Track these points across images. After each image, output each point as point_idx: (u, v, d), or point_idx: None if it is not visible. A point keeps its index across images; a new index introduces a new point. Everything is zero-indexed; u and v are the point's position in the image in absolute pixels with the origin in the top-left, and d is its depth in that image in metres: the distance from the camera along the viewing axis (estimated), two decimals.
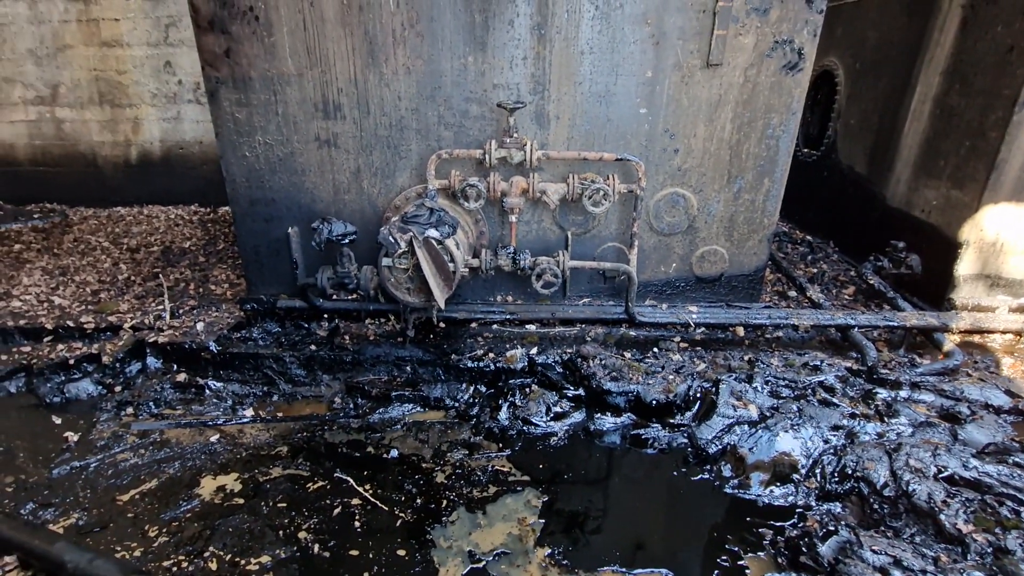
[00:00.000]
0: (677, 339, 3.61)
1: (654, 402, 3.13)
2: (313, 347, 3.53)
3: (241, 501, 2.68)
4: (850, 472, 2.63)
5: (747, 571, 2.30)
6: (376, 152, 3.44)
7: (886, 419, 2.89)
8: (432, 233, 2.88)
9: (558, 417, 3.23)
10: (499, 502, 2.70)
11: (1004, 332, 3.50)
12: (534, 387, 3.33)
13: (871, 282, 3.96)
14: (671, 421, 3.13)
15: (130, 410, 3.26)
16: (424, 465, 2.93)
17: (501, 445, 3.08)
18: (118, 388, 3.43)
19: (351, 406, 3.36)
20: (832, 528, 2.37)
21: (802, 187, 5.49)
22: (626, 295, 3.52)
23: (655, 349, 3.53)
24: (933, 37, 3.77)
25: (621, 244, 3.57)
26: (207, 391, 3.44)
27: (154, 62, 5.74)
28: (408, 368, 3.46)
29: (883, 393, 3.06)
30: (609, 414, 3.22)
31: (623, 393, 3.18)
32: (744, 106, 3.26)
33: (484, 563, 2.37)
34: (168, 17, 5.58)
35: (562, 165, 3.37)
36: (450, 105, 3.31)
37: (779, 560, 2.33)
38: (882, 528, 2.38)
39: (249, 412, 3.31)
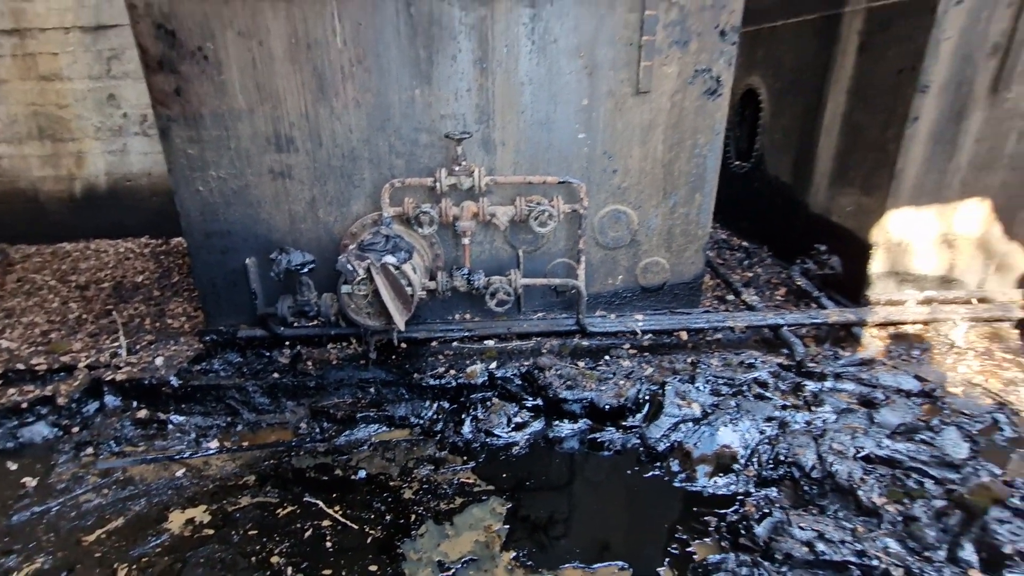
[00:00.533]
0: (626, 346, 3.85)
1: (607, 407, 3.34)
2: (276, 375, 3.59)
3: (211, 532, 2.72)
4: (783, 459, 2.91)
5: (694, 556, 2.52)
6: (330, 182, 3.56)
7: (813, 408, 3.20)
8: (389, 259, 3.02)
9: (519, 427, 3.39)
10: (466, 512, 2.84)
11: (913, 323, 3.89)
12: (495, 400, 3.49)
13: (799, 283, 4.33)
14: (624, 423, 3.35)
15: (90, 450, 3.24)
16: (392, 483, 3.04)
17: (466, 458, 3.22)
18: (76, 429, 3.39)
19: (317, 430, 3.43)
20: (767, 511, 2.62)
21: (737, 197, 5.89)
22: (577, 308, 3.74)
23: (606, 357, 3.76)
24: (838, 60, 4.20)
25: (570, 260, 3.80)
26: (169, 425, 3.45)
27: (97, 95, 5.66)
28: (372, 389, 3.57)
29: (810, 385, 3.38)
30: (567, 421, 3.41)
31: (578, 400, 3.38)
32: (673, 129, 3.55)
33: (453, 571, 2.50)
34: (110, 50, 5.53)
35: (510, 188, 3.58)
36: (400, 135, 3.47)
37: (722, 543, 2.56)
38: (810, 507, 2.65)
39: (214, 444, 3.34)
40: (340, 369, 3.61)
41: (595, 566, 2.52)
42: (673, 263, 3.94)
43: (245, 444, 3.36)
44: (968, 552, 2.28)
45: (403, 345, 3.74)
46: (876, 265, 3.96)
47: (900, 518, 2.46)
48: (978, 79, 3.48)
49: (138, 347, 3.88)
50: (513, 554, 2.58)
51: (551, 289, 3.90)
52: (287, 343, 3.81)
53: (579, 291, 3.66)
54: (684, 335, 3.92)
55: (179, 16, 3.13)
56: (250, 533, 2.71)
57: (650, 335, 3.88)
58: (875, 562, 2.24)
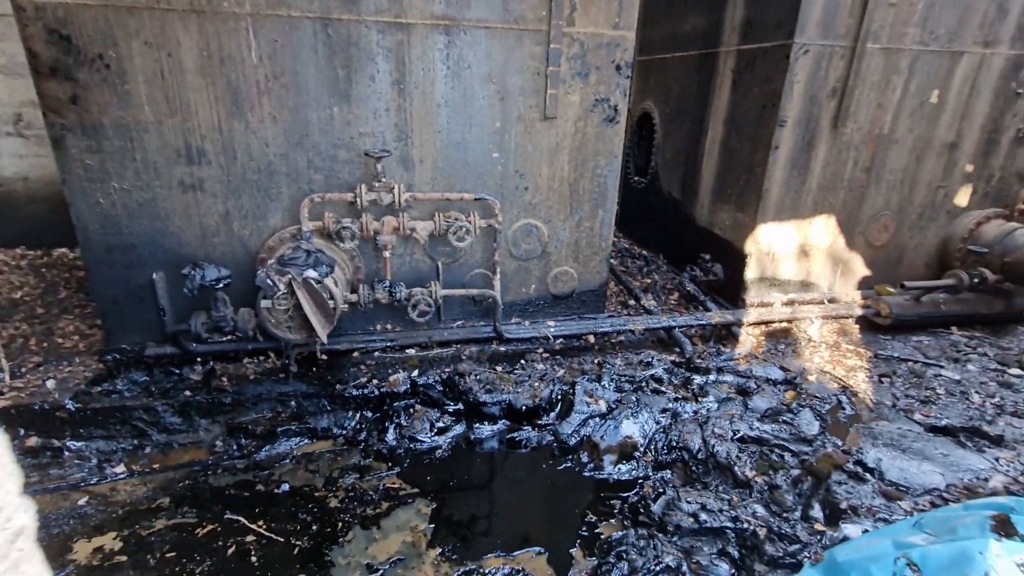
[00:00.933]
0: (540, 350, 4.15)
1: (524, 407, 3.61)
2: (188, 392, 3.49)
3: (124, 558, 2.64)
4: (675, 444, 3.32)
5: (601, 535, 2.84)
6: (245, 195, 3.53)
7: (699, 399, 3.67)
8: (311, 274, 3.09)
9: (441, 431, 3.57)
10: (392, 516, 2.97)
11: (780, 322, 4.55)
12: (417, 407, 3.64)
13: (689, 288, 4.88)
14: (539, 422, 3.63)
15: None
16: (317, 494, 3.09)
17: (390, 464, 3.34)
18: None
19: (235, 447, 3.39)
20: (662, 490, 3.01)
21: (637, 209, 6.46)
22: (494, 316, 3.98)
23: (522, 361, 4.03)
24: (715, 93, 4.80)
25: (487, 271, 4.04)
26: (66, 452, 3.24)
27: None
28: (293, 402, 3.57)
29: (697, 379, 3.86)
30: (486, 423, 3.63)
31: (497, 403, 3.62)
32: (577, 151, 3.91)
33: (381, 572, 2.63)
34: None
35: (429, 204, 3.75)
36: (319, 151, 3.53)
37: (624, 522, 2.90)
38: (697, 484, 3.07)
39: (120, 468, 3.19)
40: (258, 384, 3.58)
41: (515, 553, 2.76)
42: (580, 272, 4.31)
43: (156, 466, 3.25)
44: (816, 511, 2.79)
45: (324, 357, 3.78)
46: (751, 272, 4.58)
47: (766, 487, 2.94)
48: (823, 116, 4.17)
49: (24, 370, 3.59)
50: (439, 551, 2.76)
51: (470, 299, 4.11)
52: (199, 360, 3.71)
53: (495, 300, 3.91)
54: (591, 338, 4.29)
55: (77, 23, 3.00)
56: (168, 555, 2.66)
57: (561, 339, 4.21)
58: (746, 525, 2.67)
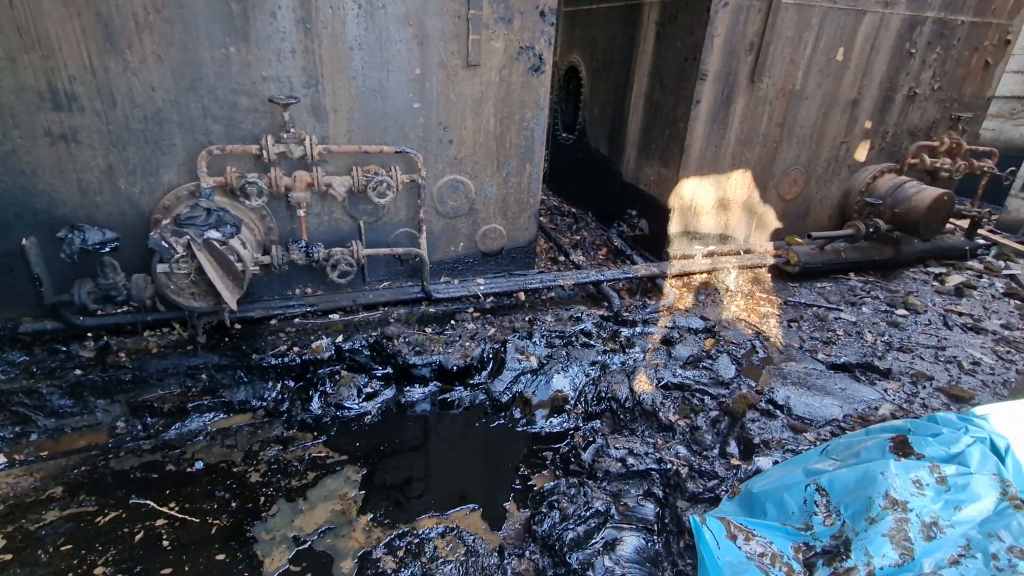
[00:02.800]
0: (471, 310, 4.08)
1: (455, 368, 3.55)
2: (78, 371, 3.13)
3: (9, 556, 2.36)
4: (604, 395, 3.41)
5: (534, 487, 2.88)
6: (131, 148, 3.12)
7: (627, 350, 3.76)
8: (213, 234, 2.80)
9: (369, 397, 3.45)
10: (319, 485, 2.85)
11: (700, 273, 4.73)
12: (343, 373, 3.49)
13: (616, 244, 4.95)
14: (471, 382, 3.59)
15: None
16: (235, 469, 2.91)
17: (316, 433, 3.19)
18: None
19: (139, 427, 3.11)
20: (592, 439, 3.08)
21: (566, 166, 6.42)
22: (422, 275, 3.84)
23: (452, 321, 3.95)
24: (640, 46, 4.77)
25: (412, 229, 3.86)
26: None
27: None
28: (204, 376, 3.31)
29: (625, 331, 3.95)
30: (417, 385, 3.54)
31: (427, 364, 3.53)
32: (503, 102, 3.77)
33: (309, 543, 2.53)
34: None
35: (345, 158, 3.49)
36: (215, 97, 3.16)
37: (556, 472, 2.95)
38: (624, 431, 3.17)
39: (0, 459, 2.84)
40: (163, 358, 3.27)
41: (448, 512, 2.75)
42: (510, 229, 4.23)
43: (44, 454, 2.91)
44: (733, 447, 2.96)
45: (237, 326, 3.51)
46: (673, 226, 4.70)
47: (688, 429, 3.09)
48: (741, 71, 4.25)
49: None
50: (370, 516, 2.69)
51: (396, 258, 3.94)
52: (90, 335, 3.32)
53: (422, 259, 3.76)
54: (522, 295, 4.27)
55: None
56: (63, 549, 2.41)
57: (492, 298, 4.15)
58: (669, 466, 2.79)
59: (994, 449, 1.50)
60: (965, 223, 5.72)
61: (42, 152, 2.98)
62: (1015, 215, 6.32)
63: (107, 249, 2.92)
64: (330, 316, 3.77)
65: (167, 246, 2.74)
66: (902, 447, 1.58)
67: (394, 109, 3.53)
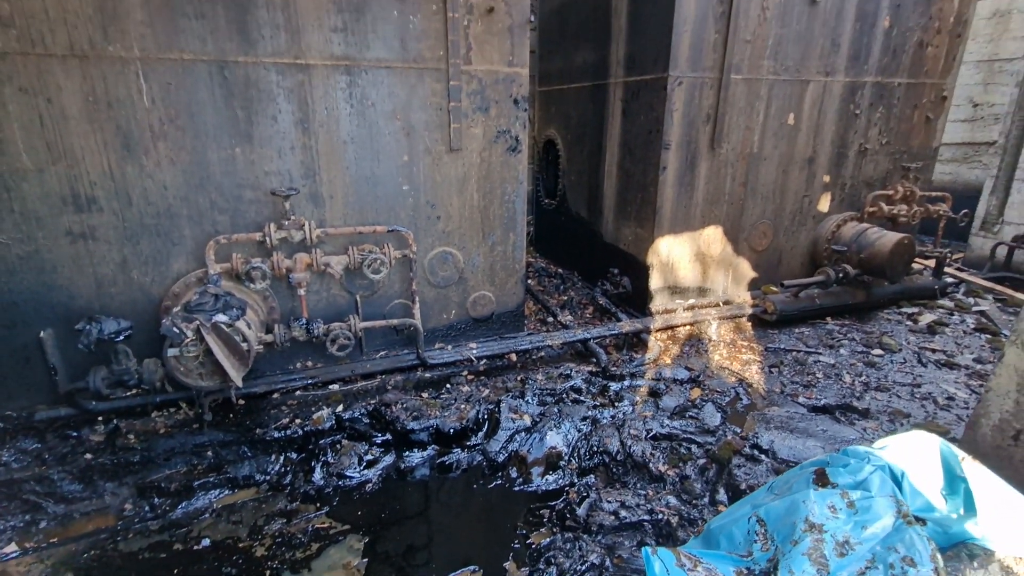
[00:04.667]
0: (465, 373, 4.26)
1: (451, 430, 3.69)
2: (88, 456, 3.26)
3: None
4: (596, 449, 3.53)
5: (532, 544, 2.96)
6: (144, 241, 3.40)
7: (616, 404, 3.92)
8: (220, 318, 3.02)
9: (370, 464, 3.56)
10: (323, 556, 2.93)
11: (683, 326, 4.95)
12: (344, 442, 3.61)
13: (601, 302, 5.19)
14: (468, 443, 3.72)
15: None
16: (241, 544, 2.99)
17: (319, 504, 3.28)
18: None
19: (146, 508, 3.20)
20: (586, 494, 3.19)
21: (550, 229, 6.78)
22: (416, 343, 4.05)
23: (447, 385, 4.11)
24: (609, 120, 5.22)
25: (406, 300, 4.10)
26: None
27: None
28: (209, 453, 3.43)
29: (613, 385, 4.12)
30: (416, 450, 3.66)
31: (425, 429, 3.67)
32: (485, 179, 4.11)
33: None
34: None
35: (342, 238, 3.78)
36: (222, 191, 3.48)
37: (553, 528, 3.04)
38: (617, 484, 3.28)
39: (11, 548, 2.91)
40: (170, 437, 3.41)
41: (451, 575, 2.82)
42: (498, 295, 4.48)
43: (55, 540, 2.99)
44: (721, 494, 3.08)
45: (241, 402, 3.67)
46: (654, 282, 4.97)
47: (677, 479, 3.20)
48: (701, 139, 4.66)
49: None
50: None
51: (391, 328, 4.15)
52: (100, 419, 3.47)
53: (417, 328, 3.98)
54: (513, 356, 4.46)
55: None
56: None
57: (484, 360, 4.34)
58: (661, 516, 2.90)
59: (893, 475, 1.69)
60: (933, 262, 6.02)
61: (63, 250, 3.25)
62: (979, 252, 6.65)
63: (121, 337, 3.13)
64: (330, 387, 3.94)
65: (178, 332, 2.95)
66: (821, 478, 1.76)
67: (385, 192, 3.86)
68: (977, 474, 1.75)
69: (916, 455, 1.77)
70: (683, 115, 4.51)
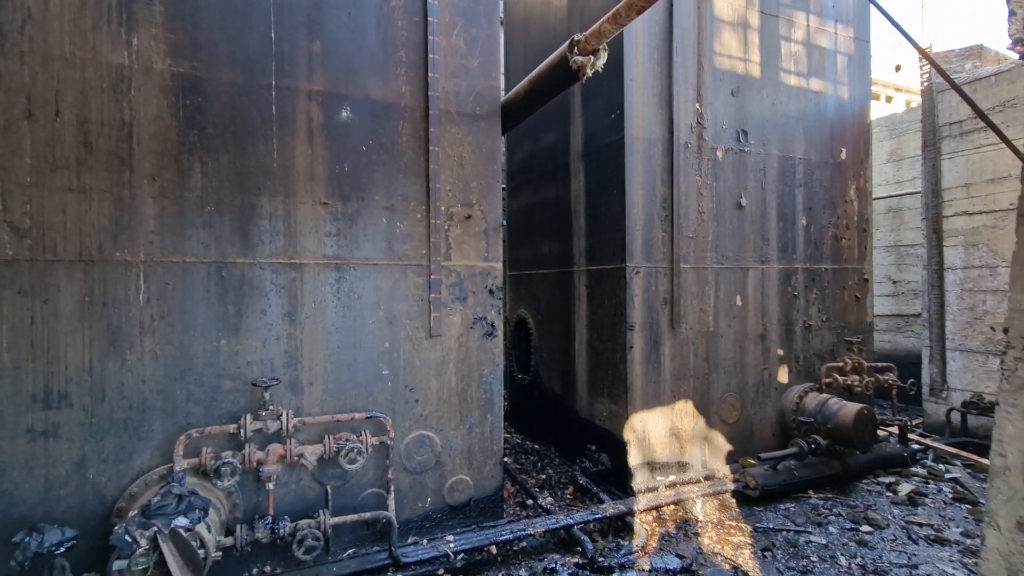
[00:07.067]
0: (441, 572, 3.89)
1: None
2: None
3: None
4: None
5: None
6: (109, 437, 3.27)
7: None
8: (181, 522, 2.80)
9: None
10: None
11: (668, 505, 4.79)
12: None
13: (581, 482, 5.03)
14: None
15: None
16: None
17: None
18: None
19: None
20: None
21: (526, 404, 6.80)
22: (389, 539, 3.75)
23: None
24: (576, 303, 5.65)
25: (380, 489, 3.91)
26: None
27: None
28: None
29: None
30: None
31: None
32: (462, 363, 4.26)
33: None
34: None
35: (318, 426, 3.73)
36: (201, 382, 3.48)
37: None
38: None
39: None
40: None
41: None
42: (476, 479, 4.32)
43: None
44: None
45: None
46: (632, 458, 4.91)
47: None
48: (662, 320, 5.06)
49: None
50: None
51: (363, 523, 3.87)
52: None
53: (390, 522, 3.73)
54: (493, 549, 4.14)
55: None
56: None
57: (462, 555, 4.00)
58: None
59: None
60: (896, 429, 6.21)
61: (17, 450, 3.09)
62: (935, 417, 6.92)
63: (63, 549, 2.83)
64: None
65: (130, 540, 2.70)
66: None
67: (365, 378, 3.93)
68: None
69: None
70: (643, 299, 4.95)
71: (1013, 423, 2.30)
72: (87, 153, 3.28)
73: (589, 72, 3.67)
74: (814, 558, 4.13)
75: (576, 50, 3.61)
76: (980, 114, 2.51)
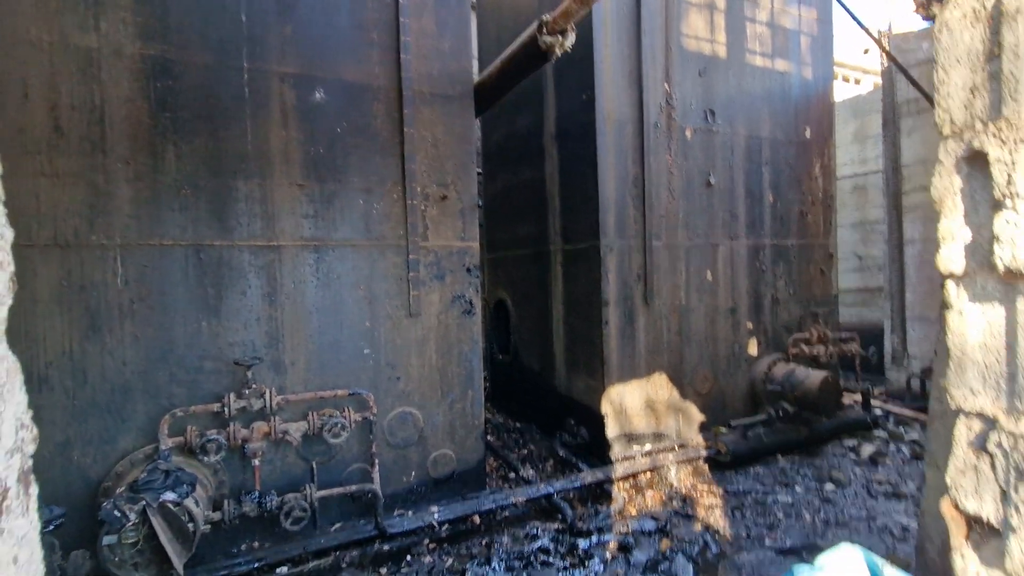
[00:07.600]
0: (426, 541, 4.02)
1: None
2: None
3: None
4: None
5: None
6: (92, 419, 3.31)
7: (586, 563, 3.77)
8: (169, 496, 2.88)
9: None
10: None
11: (644, 472, 4.99)
12: None
13: (561, 454, 5.21)
14: None
15: None
16: None
17: None
18: None
19: None
20: None
21: (507, 384, 6.95)
22: (375, 511, 3.87)
23: (408, 557, 3.86)
24: (552, 282, 5.78)
25: (365, 464, 4.01)
26: None
27: None
28: None
29: (582, 543, 3.99)
30: None
31: None
32: (442, 341, 4.37)
33: None
34: None
35: (302, 404, 3.81)
36: (183, 364, 3.53)
37: None
38: None
39: None
40: None
41: None
42: (459, 453, 4.45)
43: None
44: None
45: None
46: (610, 430, 5.09)
47: None
48: (636, 296, 5.22)
49: None
50: None
51: (349, 496, 3.98)
52: None
53: (376, 494, 3.85)
54: (477, 519, 4.28)
55: None
56: None
57: (447, 524, 4.14)
58: None
59: None
60: (859, 396, 6.51)
61: None
62: (897, 384, 7.27)
63: (51, 527, 2.88)
64: (278, 570, 3.61)
65: (119, 515, 2.77)
66: None
67: (347, 356, 4.01)
68: None
69: (848, 566, 1.89)
70: (617, 276, 5.10)
71: None
72: (59, 137, 3.27)
73: (558, 52, 3.77)
74: (780, 515, 4.37)
75: (545, 30, 3.70)
76: (919, 88, 2.68)
